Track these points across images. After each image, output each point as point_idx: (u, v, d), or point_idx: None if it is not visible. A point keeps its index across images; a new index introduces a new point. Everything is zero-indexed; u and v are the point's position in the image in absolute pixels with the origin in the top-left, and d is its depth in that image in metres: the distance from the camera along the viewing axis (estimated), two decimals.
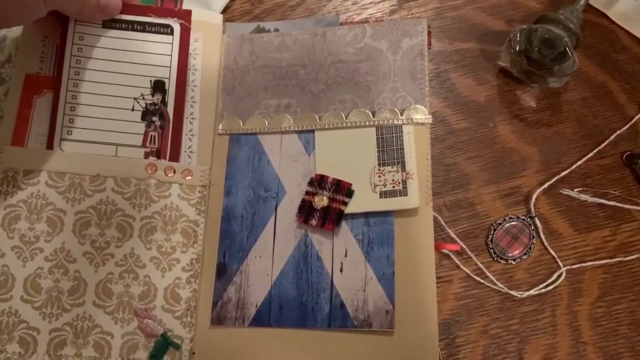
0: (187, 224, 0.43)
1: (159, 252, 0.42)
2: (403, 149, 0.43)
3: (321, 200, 0.42)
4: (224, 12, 0.50)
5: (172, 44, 0.45)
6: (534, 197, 0.45)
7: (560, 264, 0.44)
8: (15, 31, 0.47)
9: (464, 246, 0.44)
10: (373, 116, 0.44)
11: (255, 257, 0.43)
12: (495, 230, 0.45)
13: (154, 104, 0.44)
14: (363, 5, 0.51)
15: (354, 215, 0.42)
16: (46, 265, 0.41)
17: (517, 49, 0.46)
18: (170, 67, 0.45)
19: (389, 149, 0.43)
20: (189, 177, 0.43)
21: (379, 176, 0.43)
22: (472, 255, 0.44)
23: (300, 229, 0.43)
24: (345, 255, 0.42)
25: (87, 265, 0.41)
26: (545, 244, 0.44)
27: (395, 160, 0.43)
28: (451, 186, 0.46)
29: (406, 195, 0.42)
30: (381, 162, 0.43)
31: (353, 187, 0.42)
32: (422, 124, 0.44)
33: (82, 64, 0.44)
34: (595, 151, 0.46)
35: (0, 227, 0.41)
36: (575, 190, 0.45)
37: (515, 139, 0.47)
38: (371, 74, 0.45)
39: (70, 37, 0.44)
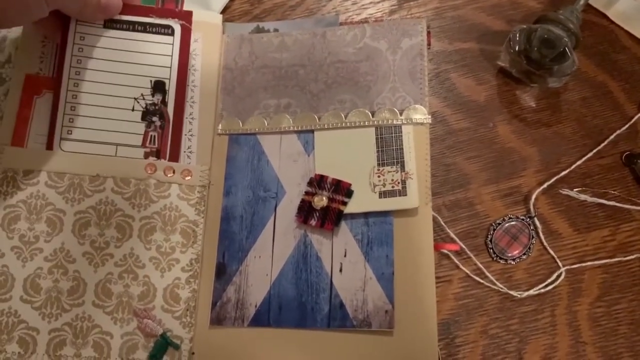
0: (187, 224, 0.43)
1: (158, 252, 0.42)
2: (402, 149, 0.43)
3: (320, 201, 0.42)
4: (223, 12, 0.50)
5: (172, 44, 0.45)
6: (534, 197, 0.45)
7: (560, 263, 0.44)
8: (15, 31, 0.47)
9: (464, 246, 0.44)
10: (372, 116, 0.44)
11: (255, 257, 0.43)
12: (494, 230, 0.45)
13: (154, 104, 0.44)
14: (363, 5, 0.51)
15: (353, 216, 0.42)
16: (46, 266, 0.41)
17: (517, 49, 0.46)
18: (170, 67, 0.45)
19: (389, 149, 0.43)
20: (189, 177, 0.43)
21: (379, 176, 0.43)
22: (471, 255, 0.44)
23: (300, 229, 0.43)
24: (345, 255, 0.42)
25: (87, 266, 0.41)
26: (545, 244, 0.44)
27: (395, 160, 0.43)
28: (451, 186, 0.46)
29: (405, 195, 0.42)
30: (380, 162, 0.43)
31: (352, 187, 0.42)
32: (422, 124, 0.44)
33: (82, 64, 0.44)
34: (594, 151, 0.46)
35: (0, 227, 0.41)
36: (575, 190, 0.45)
37: (515, 139, 0.47)
38: (371, 74, 0.45)
39: (71, 37, 0.44)
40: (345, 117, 0.44)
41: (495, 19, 0.50)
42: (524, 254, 0.44)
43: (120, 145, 0.43)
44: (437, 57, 0.49)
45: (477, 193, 0.46)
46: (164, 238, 0.42)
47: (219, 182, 0.44)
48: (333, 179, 0.43)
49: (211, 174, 0.44)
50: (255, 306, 0.42)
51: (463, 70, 0.49)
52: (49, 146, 0.42)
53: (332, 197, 0.42)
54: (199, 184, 0.44)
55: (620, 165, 0.46)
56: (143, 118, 0.44)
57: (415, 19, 0.49)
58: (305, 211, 0.43)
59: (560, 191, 0.46)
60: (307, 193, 0.43)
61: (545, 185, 0.45)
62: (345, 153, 0.44)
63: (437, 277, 0.42)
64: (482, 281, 0.44)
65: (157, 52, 0.45)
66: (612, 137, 0.46)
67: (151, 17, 0.45)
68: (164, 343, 0.40)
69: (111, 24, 0.44)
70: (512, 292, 0.43)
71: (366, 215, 0.42)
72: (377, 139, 0.44)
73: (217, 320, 0.42)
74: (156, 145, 0.44)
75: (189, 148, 0.44)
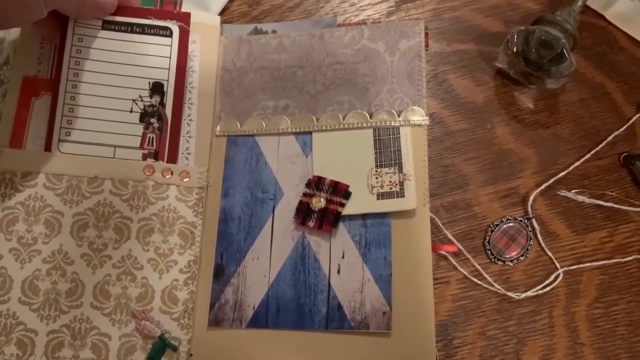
0: (185, 226, 0.43)
1: (156, 253, 0.42)
2: (400, 150, 0.43)
3: (318, 202, 0.42)
4: (221, 13, 0.50)
5: (171, 46, 0.45)
6: (532, 198, 0.45)
7: (558, 265, 0.44)
8: (13, 33, 0.47)
9: (461, 247, 0.44)
10: (370, 118, 0.44)
11: (253, 259, 0.43)
12: (492, 231, 0.45)
13: (152, 105, 0.44)
14: (361, 6, 0.51)
15: (351, 217, 0.42)
16: (44, 267, 0.41)
17: (515, 50, 0.46)
18: (168, 69, 0.45)
19: (386, 151, 0.43)
20: (187, 179, 0.43)
21: (376, 178, 0.43)
22: (469, 256, 0.44)
23: (298, 230, 0.43)
24: (343, 257, 0.42)
25: (85, 267, 0.41)
26: (543, 245, 0.44)
27: (393, 162, 0.43)
28: (448, 187, 0.46)
29: (403, 196, 0.42)
30: (378, 163, 0.43)
31: (350, 189, 0.42)
32: (420, 125, 0.44)
33: (81, 66, 0.44)
34: (592, 152, 0.46)
35: None
36: (573, 191, 0.45)
37: (513, 140, 0.47)
38: (369, 75, 0.45)
39: (70, 38, 0.44)
40: (343, 118, 0.44)
41: (493, 21, 0.50)
42: (522, 255, 0.44)
43: (119, 147, 0.43)
44: (434, 58, 0.49)
45: (475, 194, 0.46)
46: (162, 239, 0.42)
47: (217, 184, 0.44)
48: (331, 181, 0.43)
49: (209, 176, 0.45)
50: (253, 308, 0.42)
51: (461, 72, 0.49)
52: (47, 148, 0.43)
53: (330, 199, 0.42)
54: (197, 186, 0.44)
55: (618, 166, 0.46)
56: (141, 120, 0.44)
57: (412, 20, 0.49)
58: (303, 212, 0.43)
59: (558, 192, 0.46)
60: (305, 194, 0.43)
61: (543, 187, 0.45)
62: (343, 154, 0.44)
63: (435, 279, 0.42)
64: (480, 282, 0.44)
65: (155, 54, 0.45)
66: (610, 138, 0.46)
67: (149, 18, 0.45)
68: (162, 345, 0.40)
69: (109, 25, 0.44)
70: (510, 294, 0.43)
71: (364, 216, 0.42)
72: (375, 140, 0.44)
73: (215, 321, 0.42)
74: (154, 147, 0.44)
75: (187, 149, 0.44)
